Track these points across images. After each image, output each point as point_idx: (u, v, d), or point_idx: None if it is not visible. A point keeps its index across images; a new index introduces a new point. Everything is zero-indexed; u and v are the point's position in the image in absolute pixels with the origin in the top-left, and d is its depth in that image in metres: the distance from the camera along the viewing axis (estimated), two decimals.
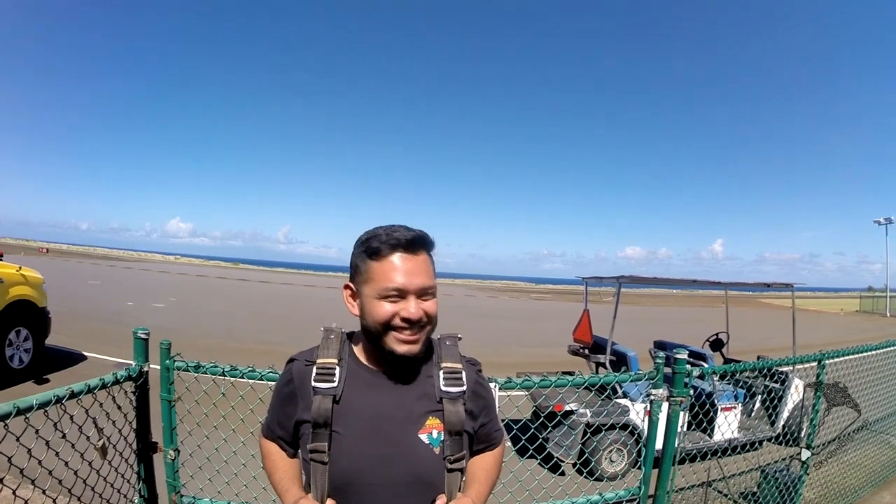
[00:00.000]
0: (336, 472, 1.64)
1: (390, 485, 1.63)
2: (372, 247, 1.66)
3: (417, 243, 1.66)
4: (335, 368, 1.71)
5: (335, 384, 1.69)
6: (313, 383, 1.70)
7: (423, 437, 1.67)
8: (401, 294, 1.63)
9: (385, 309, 1.63)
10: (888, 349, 5.97)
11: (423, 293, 1.65)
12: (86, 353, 11.54)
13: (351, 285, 1.75)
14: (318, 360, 1.73)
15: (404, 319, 1.62)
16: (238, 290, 41.15)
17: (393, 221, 1.73)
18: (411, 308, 1.62)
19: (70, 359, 11.06)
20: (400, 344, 1.64)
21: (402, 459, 1.64)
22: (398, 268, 1.63)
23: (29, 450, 2.10)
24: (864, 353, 5.42)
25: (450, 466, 1.69)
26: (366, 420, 1.66)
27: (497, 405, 2.31)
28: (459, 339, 1.88)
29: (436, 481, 1.68)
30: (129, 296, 27.70)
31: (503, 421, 2.23)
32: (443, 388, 1.74)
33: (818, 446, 5.14)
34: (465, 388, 1.77)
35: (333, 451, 1.64)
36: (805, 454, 4.89)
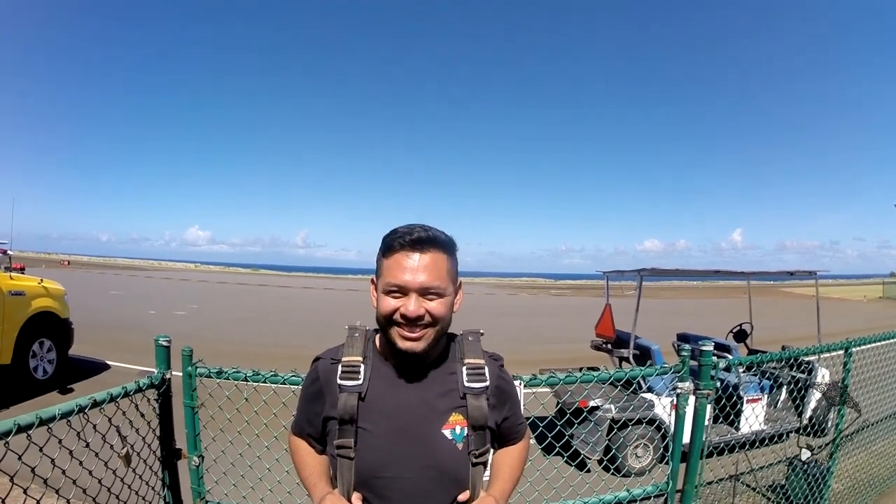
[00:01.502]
0: (362, 467, 1.68)
1: (414, 479, 1.68)
2: (385, 244, 1.72)
3: (425, 243, 1.68)
4: (360, 366, 1.76)
5: (360, 381, 1.73)
6: (339, 381, 1.74)
7: (447, 432, 1.71)
8: (402, 291, 1.66)
9: (388, 303, 1.67)
10: None
11: (427, 292, 1.66)
12: (109, 363, 11.66)
13: (374, 279, 1.78)
14: (344, 359, 1.78)
15: (403, 316, 1.65)
16: (258, 295, 41.36)
17: (411, 222, 1.76)
18: (410, 306, 1.64)
19: (94, 368, 11.16)
20: (401, 340, 1.67)
21: (426, 455, 1.69)
22: (401, 265, 1.66)
23: (52, 460, 2.09)
24: (892, 340, 5.34)
25: (475, 461, 1.74)
26: (390, 416, 1.70)
27: (522, 402, 2.28)
28: (482, 334, 1.90)
29: (459, 476, 1.72)
30: (150, 305, 27.94)
31: (528, 419, 2.21)
32: (466, 383, 1.77)
33: (818, 447, 5.08)
34: (488, 383, 1.80)
35: (359, 447, 1.68)
36: (805, 454, 4.84)
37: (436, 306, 1.67)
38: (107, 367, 11.41)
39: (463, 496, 1.71)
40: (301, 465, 1.91)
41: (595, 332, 8.55)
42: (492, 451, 1.88)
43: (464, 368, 1.79)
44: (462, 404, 1.75)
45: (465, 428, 1.73)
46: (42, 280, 9.87)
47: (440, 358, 1.80)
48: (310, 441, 1.91)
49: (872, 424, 5.99)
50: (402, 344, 1.67)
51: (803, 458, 4.85)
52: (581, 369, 6.30)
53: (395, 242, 1.68)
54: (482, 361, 1.82)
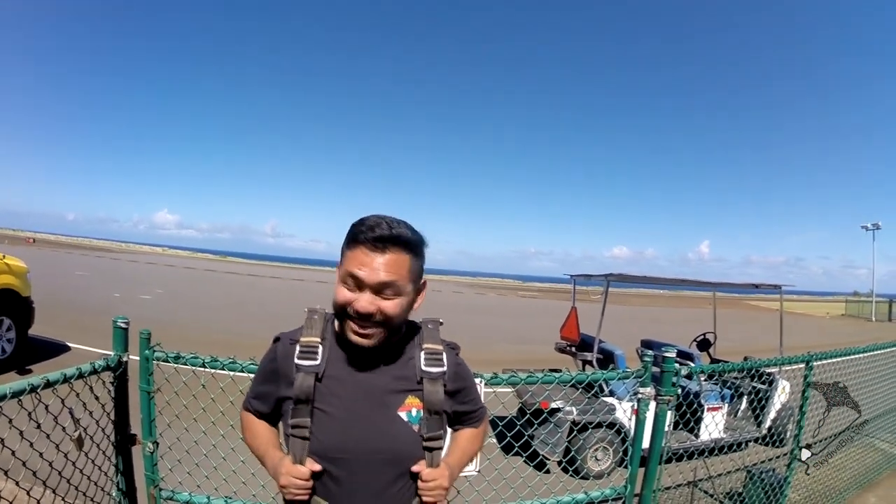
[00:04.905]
0: (316, 447, 1.69)
1: (369, 460, 1.69)
2: (351, 233, 1.70)
3: (388, 241, 1.65)
4: (318, 347, 1.77)
5: (318, 362, 1.74)
6: (296, 361, 1.74)
7: (403, 414, 1.73)
8: (357, 284, 1.65)
9: (343, 294, 1.67)
10: (874, 352, 5.99)
11: (382, 290, 1.64)
12: (70, 344, 11.44)
13: (339, 267, 1.76)
14: (302, 339, 1.78)
15: (355, 311, 1.64)
16: (225, 283, 41.08)
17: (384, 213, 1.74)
18: (362, 301, 1.63)
19: (54, 349, 10.95)
20: (351, 333, 1.68)
21: (382, 436, 1.70)
22: (360, 260, 1.64)
23: (2, 440, 2.05)
24: (851, 356, 5.42)
25: (425, 444, 1.75)
26: (347, 397, 1.71)
27: (481, 398, 2.28)
28: (441, 323, 1.93)
29: (414, 457, 1.73)
30: (115, 287, 27.50)
31: (489, 418, 2.21)
32: (423, 367, 1.79)
33: (817, 446, 5.13)
34: (445, 368, 1.82)
35: (315, 427, 1.69)
36: (805, 454, 4.88)
37: (390, 305, 1.65)
38: (67, 348, 11.20)
39: (417, 467, 1.71)
40: (252, 435, 1.92)
41: (560, 334, 8.58)
42: (445, 437, 1.88)
43: (422, 353, 1.81)
44: (418, 388, 1.76)
45: (422, 411, 1.75)
46: (4, 256, 9.65)
47: (399, 343, 1.81)
48: (258, 417, 1.93)
49: (848, 437, 6.10)
50: (353, 338, 1.67)
51: (803, 457, 4.88)
52: (544, 370, 6.33)
53: (359, 235, 1.65)
54: (440, 347, 1.84)
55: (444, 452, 1.85)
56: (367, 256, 1.63)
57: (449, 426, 1.92)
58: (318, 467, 1.66)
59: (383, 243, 1.64)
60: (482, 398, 2.17)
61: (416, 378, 1.77)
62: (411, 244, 1.70)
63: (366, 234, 1.64)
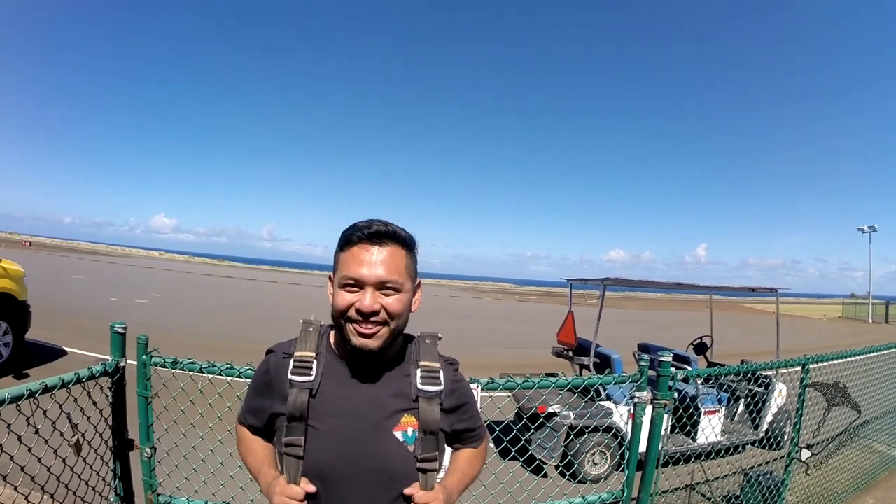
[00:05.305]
0: (310, 466, 1.64)
1: (363, 480, 1.64)
2: (343, 238, 1.68)
3: (383, 236, 1.65)
4: (312, 362, 1.71)
5: (312, 378, 1.69)
6: (290, 376, 1.69)
7: (398, 434, 1.68)
8: (358, 285, 1.62)
9: (344, 298, 1.63)
10: (871, 354, 6.00)
11: (383, 287, 1.63)
12: (66, 349, 11.41)
13: (331, 275, 1.74)
14: (296, 354, 1.73)
15: (358, 311, 1.61)
16: (222, 287, 40.97)
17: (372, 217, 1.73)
18: (366, 300, 1.60)
19: (50, 354, 10.91)
20: (355, 336, 1.63)
21: (376, 456, 1.65)
22: (358, 259, 1.62)
23: (0, 445, 2.06)
24: (848, 359, 5.43)
25: (419, 465, 1.69)
26: (341, 415, 1.66)
27: (479, 406, 2.28)
28: (440, 338, 1.87)
29: (408, 478, 1.68)
30: (112, 291, 27.45)
31: (486, 422, 2.21)
32: (419, 386, 1.74)
33: (817, 447, 5.13)
34: (442, 387, 1.77)
35: (309, 446, 1.64)
36: (805, 454, 4.88)
37: (392, 302, 1.63)
38: (64, 353, 11.16)
39: (410, 489, 1.66)
40: (246, 451, 1.90)
41: (557, 338, 8.59)
42: (447, 451, 1.86)
43: (418, 371, 1.76)
44: (414, 407, 1.71)
45: (417, 430, 1.70)
46: (1, 260, 9.65)
47: (395, 359, 1.76)
48: (253, 432, 1.89)
49: (848, 437, 6.10)
50: (357, 340, 1.62)
51: (803, 457, 4.88)
52: (540, 375, 6.33)
53: (352, 236, 1.65)
54: (437, 365, 1.79)
55: (443, 472, 1.81)
56: (365, 253, 1.62)
57: (448, 445, 1.89)
58: (312, 488, 1.62)
59: (380, 239, 1.64)
60: (479, 403, 2.15)
61: (413, 396, 1.72)
62: (406, 240, 1.71)
63: (362, 232, 1.64)
